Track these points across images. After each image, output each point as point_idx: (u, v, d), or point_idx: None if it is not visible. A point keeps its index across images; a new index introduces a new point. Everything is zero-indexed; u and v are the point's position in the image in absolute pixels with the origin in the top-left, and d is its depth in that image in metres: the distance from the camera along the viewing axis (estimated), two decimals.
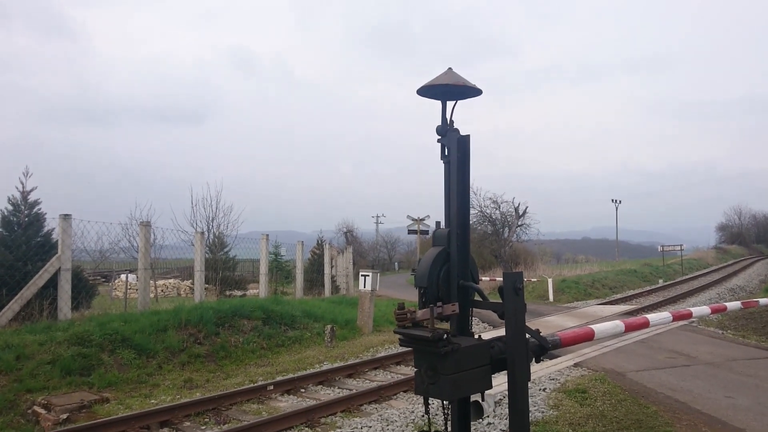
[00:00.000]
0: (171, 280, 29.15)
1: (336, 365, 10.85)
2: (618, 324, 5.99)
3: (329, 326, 13.20)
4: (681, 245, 45.54)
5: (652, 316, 6.62)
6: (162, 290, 26.97)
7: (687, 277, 38.49)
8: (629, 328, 6.20)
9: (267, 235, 18.67)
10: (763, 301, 11.27)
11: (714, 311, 8.43)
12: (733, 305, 10.06)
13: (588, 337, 5.55)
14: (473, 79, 4.88)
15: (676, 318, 7.24)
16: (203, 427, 7.50)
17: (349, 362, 11.13)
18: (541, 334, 4.68)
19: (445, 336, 3.95)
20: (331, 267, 23.33)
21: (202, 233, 16.37)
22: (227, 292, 19.09)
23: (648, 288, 30.90)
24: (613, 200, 70.66)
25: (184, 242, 18.82)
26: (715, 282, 33.12)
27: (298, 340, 13.14)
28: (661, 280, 35.27)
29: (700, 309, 8.06)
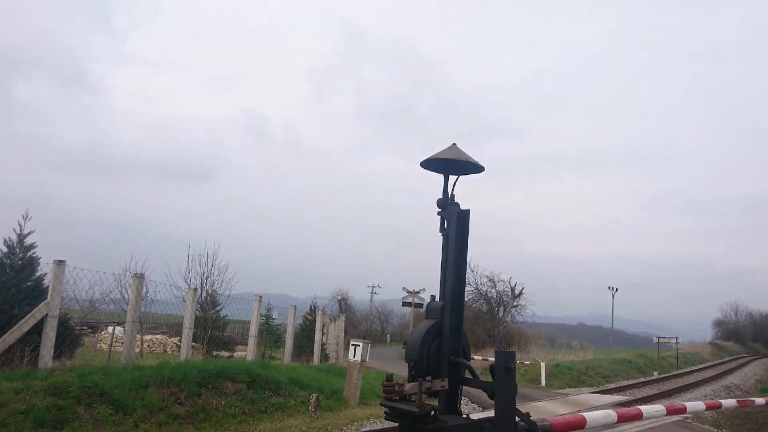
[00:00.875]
0: (158, 336, 28.64)
1: None
2: (610, 414, 5.88)
3: (315, 395, 12.85)
4: (677, 338, 45.02)
5: (645, 408, 6.51)
6: (149, 345, 26.45)
7: (682, 371, 37.81)
8: (622, 419, 6.07)
9: (260, 297, 18.50)
10: (759, 400, 11.06)
11: (709, 408, 8.27)
12: (729, 402, 9.88)
13: (579, 425, 5.43)
14: (477, 159, 5.00)
15: (670, 412, 7.11)
16: None
17: None
18: (531, 418, 4.57)
19: (433, 413, 3.85)
20: (322, 334, 22.97)
21: (195, 290, 16.24)
22: (214, 352, 18.71)
23: (642, 379, 30.29)
24: (609, 288, 70.61)
25: (176, 298, 18.60)
26: (710, 378, 32.50)
27: (282, 407, 12.75)
28: (655, 372, 34.61)
29: (694, 404, 7.92)
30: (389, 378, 4.03)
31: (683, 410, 7.41)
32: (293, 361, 19.94)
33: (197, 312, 17.74)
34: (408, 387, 4.01)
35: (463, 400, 16.55)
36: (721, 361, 52.42)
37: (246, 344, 18.84)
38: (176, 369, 11.75)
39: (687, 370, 38.66)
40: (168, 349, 26.56)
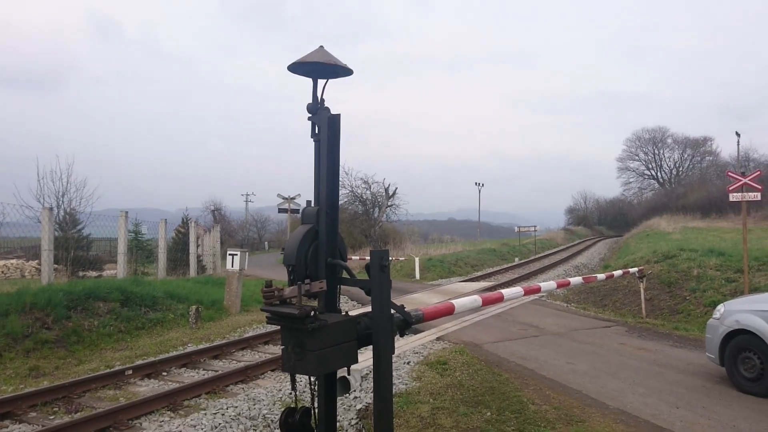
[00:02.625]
0: (13, 261, 26.48)
1: (201, 347, 10.54)
2: (476, 299, 6.38)
3: (194, 307, 12.76)
4: (535, 226, 49.17)
5: (506, 291, 7.12)
6: (2, 272, 24.47)
7: (539, 255, 41.69)
8: (486, 303, 6.62)
9: (126, 213, 17.52)
10: (600, 276, 12.53)
11: (560, 286, 9.23)
12: (576, 280, 11.11)
13: (449, 312, 5.86)
14: (349, 60, 4.91)
15: (527, 292, 7.87)
16: (52, 417, 6.97)
17: (214, 343, 10.85)
18: (405, 309, 4.87)
19: (313, 312, 3.98)
20: (197, 246, 22.45)
21: (51, 209, 14.99)
22: (80, 273, 17.73)
23: (505, 266, 33.08)
24: (476, 183, 74.68)
25: (30, 219, 17.11)
26: (562, 260, 36.22)
27: (160, 322, 12.56)
28: (516, 259, 37.93)
29: (548, 284, 8.78)
30: (268, 284, 4.07)
31: (538, 290, 8.23)
32: (168, 276, 19.45)
33: (56, 232, 16.53)
34: (288, 291, 4.08)
35: (343, 299, 17.23)
36: (571, 244, 58.40)
37: (115, 262, 17.99)
38: (39, 293, 11.06)
39: (543, 254, 42.71)
40: (27, 274, 24.73)
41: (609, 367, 8.35)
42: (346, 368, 4.45)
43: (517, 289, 7.61)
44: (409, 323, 4.88)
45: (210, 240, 25.07)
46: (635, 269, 13.84)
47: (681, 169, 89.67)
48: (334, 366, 4.31)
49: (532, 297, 16.80)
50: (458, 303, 5.99)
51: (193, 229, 22.04)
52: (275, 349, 10.55)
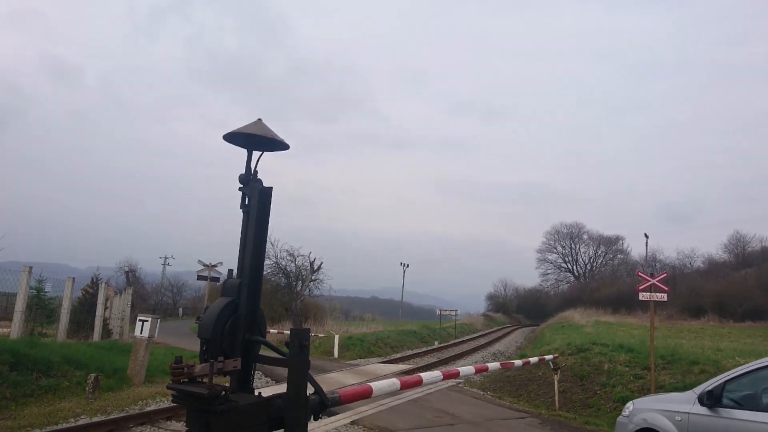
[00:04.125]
0: None
1: (95, 419, 9.70)
2: (394, 382, 6.26)
3: (93, 375, 11.83)
4: (456, 310, 49.75)
5: (425, 375, 7.05)
6: None
7: (459, 340, 41.94)
8: (404, 386, 6.52)
9: (30, 268, 16.41)
10: (517, 362, 12.63)
11: (478, 371, 9.23)
12: (494, 366, 11.15)
13: (366, 395, 5.70)
14: (291, 133, 4.94)
15: (446, 377, 7.80)
16: None
17: (111, 416, 10.02)
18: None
19: (223, 393, 3.76)
20: (105, 308, 21.17)
21: None
22: None
23: (425, 348, 32.98)
24: (401, 263, 75.42)
25: None
26: (481, 346, 36.54)
27: (53, 389, 11.54)
28: (436, 342, 37.93)
29: (466, 368, 8.77)
30: (178, 360, 3.83)
31: (457, 374, 8.19)
32: (69, 339, 18.12)
33: None
34: (198, 368, 3.84)
35: (258, 374, 16.52)
36: (490, 330, 59.24)
37: (11, 320, 16.61)
38: None
39: (463, 339, 43.00)
40: None
41: None
42: None
43: (436, 374, 7.56)
44: (325, 405, 4.70)
45: (120, 303, 23.73)
46: (550, 357, 14.10)
47: (595, 264, 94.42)
48: None
49: (451, 383, 16.70)
50: (376, 386, 5.86)
51: (103, 290, 20.85)
52: (179, 427, 9.85)
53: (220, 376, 4.29)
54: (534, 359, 12.88)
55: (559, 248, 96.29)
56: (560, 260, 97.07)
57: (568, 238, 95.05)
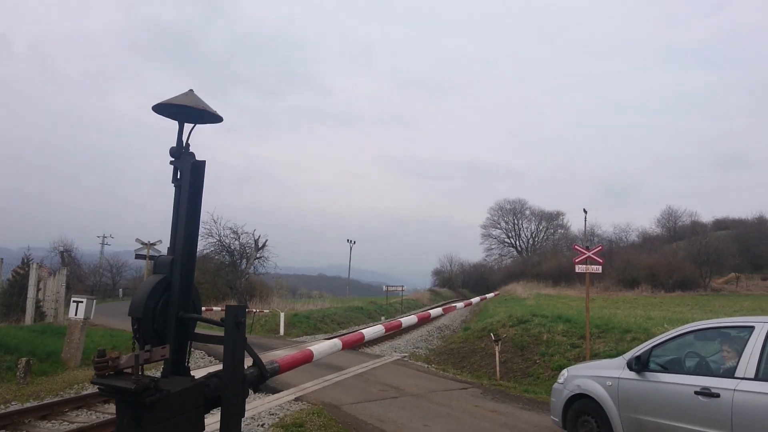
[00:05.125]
0: None
1: (27, 405, 9.35)
2: (336, 342, 6.14)
3: (24, 359, 11.36)
4: (402, 286, 50.34)
5: (366, 331, 6.90)
6: None
7: (405, 315, 42.48)
8: (346, 345, 6.39)
9: None
10: (459, 305, 12.24)
11: (420, 319, 8.80)
12: (436, 311, 10.52)
13: (306, 359, 5.59)
14: (224, 108, 4.78)
15: (388, 329, 7.62)
16: None
17: (45, 401, 9.67)
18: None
19: (152, 384, 3.62)
20: (38, 290, 20.32)
21: None
22: None
23: (372, 324, 33.25)
24: (348, 240, 75.33)
25: None
26: (427, 321, 37.14)
27: None
28: (383, 318, 38.32)
29: (408, 318, 8.39)
30: (101, 353, 3.66)
31: (399, 326, 7.99)
32: None
33: None
34: (124, 360, 3.68)
35: (201, 353, 16.26)
36: (436, 305, 60.19)
37: None
38: None
39: (409, 314, 43.60)
40: None
41: (463, 429, 8.49)
42: None
43: (378, 328, 7.42)
44: (264, 377, 4.64)
45: (54, 284, 22.80)
46: (477, 298, 13.94)
47: (537, 239, 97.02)
48: None
49: (396, 357, 16.91)
50: (317, 349, 5.77)
51: (34, 271, 19.98)
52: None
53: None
54: (460, 304, 12.58)
55: (503, 224, 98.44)
56: (504, 235, 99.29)
57: (511, 213, 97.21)
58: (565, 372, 8.05)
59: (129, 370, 3.63)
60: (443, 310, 8.49)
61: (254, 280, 44.67)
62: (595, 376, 7.30)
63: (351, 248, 75.30)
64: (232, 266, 41.74)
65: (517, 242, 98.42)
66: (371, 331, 7.03)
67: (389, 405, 10.02)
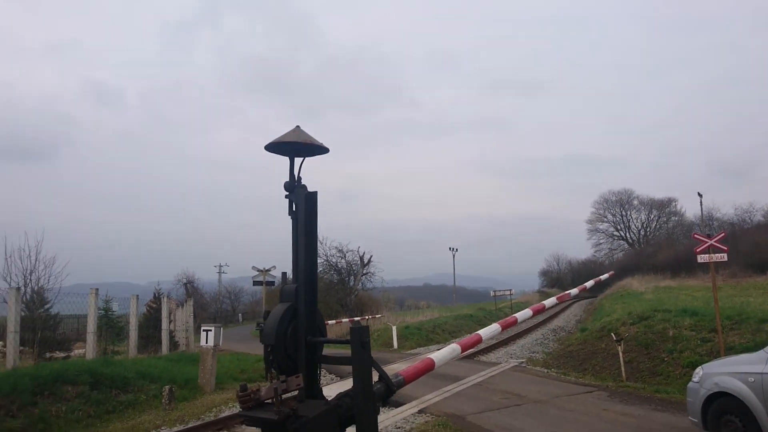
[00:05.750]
0: None
1: (175, 429, 10.12)
2: (454, 347, 6.04)
3: (167, 387, 12.33)
4: (510, 290, 49.35)
5: (483, 331, 6.74)
6: None
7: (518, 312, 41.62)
8: (465, 348, 6.26)
9: (96, 289, 17.16)
10: (573, 291, 11.51)
11: (535, 311, 8.42)
12: (550, 301, 9.92)
13: (429, 368, 5.59)
14: (328, 130, 5.06)
15: (504, 326, 7.37)
16: None
17: (189, 425, 10.43)
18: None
19: (293, 413, 3.89)
20: (170, 321, 21.93)
21: (18, 288, 14.61)
22: (47, 355, 17.10)
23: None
24: (450, 248, 75.08)
25: None
26: (540, 324, 36.18)
27: (132, 404, 12.09)
28: (494, 324, 37.76)
29: (523, 313, 8.07)
30: (243, 388, 4.01)
31: (514, 322, 7.72)
32: (140, 354, 18.87)
33: (23, 312, 16.03)
34: (264, 392, 4.01)
35: (323, 372, 16.86)
36: (547, 307, 58.49)
37: (84, 341, 17.44)
38: (3, 379, 10.63)
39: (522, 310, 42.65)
40: None
41: None
42: None
43: (494, 327, 7.16)
44: (391, 391, 4.79)
45: (183, 315, 24.53)
46: (591, 281, 12.75)
47: (648, 229, 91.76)
48: None
49: (513, 363, 16.66)
50: (437, 356, 5.71)
51: (166, 304, 21.60)
52: (252, 430, 10.18)
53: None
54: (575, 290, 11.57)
55: (610, 216, 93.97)
56: (612, 229, 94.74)
57: (617, 205, 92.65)
58: (699, 370, 7.64)
59: (270, 401, 3.93)
60: (557, 298, 8.22)
61: (363, 296, 45.60)
62: (734, 372, 6.88)
63: (454, 255, 74.99)
64: (341, 284, 42.88)
65: (627, 234, 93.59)
66: (488, 331, 6.87)
67: (513, 413, 9.92)
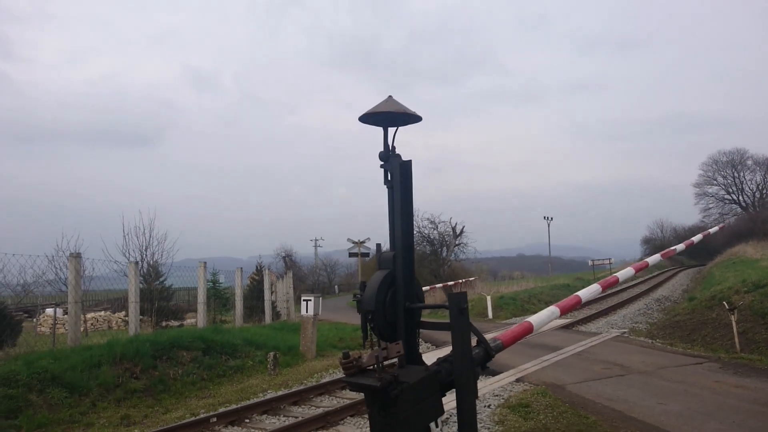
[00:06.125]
0: (101, 313, 27.89)
1: (280, 393, 10.66)
2: (553, 310, 5.81)
3: (272, 353, 12.98)
4: (610, 259, 47.55)
5: (582, 292, 6.42)
6: (92, 323, 25.76)
7: (616, 289, 40.08)
8: (564, 310, 6.01)
9: (205, 263, 18.24)
10: (680, 246, 10.73)
11: (637, 269, 7.98)
12: (654, 258, 9.32)
13: (528, 332, 5.46)
14: (416, 102, 5.04)
15: (605, 286, 6.94)
16: None
17: (293, 389, 10.96)
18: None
19: (394, 379, 3.97)
20: (271, 293, 22.99)
21: (136, 263, 15.84)
22: (164, 323, 18.47)
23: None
24: (545, 217, 73.01)
25: (116, 273, 18.11)
26: (642, 293, 34.65)
27: (240, 369, 12.85)
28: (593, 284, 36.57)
29: (625, 272, 7.65)
30: (346, 355, 4.12)
31: (615, 282, 7.30)
32: (245, 323, 19.95)
33: (141, 285, 17.36)
34: (365, 359, 4.10)
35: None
36: (651, 275, 55.84)
37: (195, 311, 18.66)
38: (128, 344, 11.59)
39: (621, 288, 41.04)
40: (114, 325, 25.95)
41: (704, 407, 7.85)
42: None
43: (594, 288, 6.79)
44: (490, 356, 4.77)
45: (283, 286, 25.61)
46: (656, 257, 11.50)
47: (765, 191, 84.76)
48: (421, 423, 4.29)
49: (614, 333, 16.13)
50: (535, 319, 5.57)
51: (267, 276, 22.63)
52: (353, 395, 10.53)
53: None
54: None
55: (720, 179, 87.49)
56: (723, 192, 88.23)
57: (729, 166, 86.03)
58: None
59: (371, 367, 4.02)
60: (661, 255, 7.65)
61: (456, 267, 45.55)
62: None
63: (549, 225, 72.96)
64: (434, 255, 43.04)
65: (740, 197, 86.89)
66: (587, 291, 6.49)
67: (616, 383, 9.63)
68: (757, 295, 17.11)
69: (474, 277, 30.69)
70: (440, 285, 33.56)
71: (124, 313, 23.09)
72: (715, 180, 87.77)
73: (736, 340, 13.29)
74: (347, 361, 4.11)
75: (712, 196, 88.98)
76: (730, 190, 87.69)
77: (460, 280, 34.37)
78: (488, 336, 4.85)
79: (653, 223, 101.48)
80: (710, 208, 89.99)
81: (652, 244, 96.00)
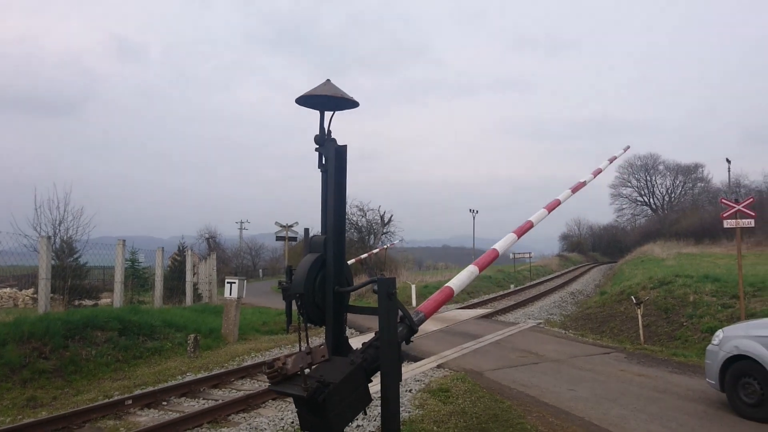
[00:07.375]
0: (6, 290, 26.28)
1: (200, 376, 10.48)
2: (472, 269, 5.82)
3: (192, 336, 12.70)
4: (530, 253, 49.26)
5: (499, 244, 6.45)
6: None
7: (535, 282, 41.71)
8: (482, 267, 6.08)
9: (123, 241, 17.53)
10: (567, 191, 10.58)
11: (519, 234, 7.75)
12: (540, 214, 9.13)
13: (448, 297, 5.47)
14: (351, 88, 5.04)
15: (519, 234, 6.94)
16: None
17: (214, 372, 10.79)
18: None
19: (319, 384, 3.99)
20: (193, 274, 22.39)
21: (49, 238, 14.98)
22: (76, 302, 17.63)
23: (501, 292, 33.05)
24: (470, 210, 74.74)
25: (25, 247, 17.03)
26: (558, 287, 36.23)
27: (158, 351, 12.50)
28: (512, 285, 37.91)
29: (538, 214, 7.56)
30: (269, 365, 4.12)
31: (530, 226, 7.17)
32: (165, 304, 19.35)
33: (53, 261, 16.46)
34: (290, 365, 4.11)
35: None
36: (566, 270, 58.44)
37: (111, 291, 17.92)
38: (37, 323, 11.02)
39: (539, 281, 42.73)
40: (20, 303, 24.52)
41: (610, 393, 8.37)
42: None
43: (510, 237, 6.76)
44: (413, 331, 4.85)
45: (206, 268, 25.00)
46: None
47: (673, 195, 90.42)
48: (351, 417, 4.35)
49: (531, 323, 16.79)
50: (455, 283, 5.60)
51: (190, 257, 22.01)
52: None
53: (315, 326, 4.57)
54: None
55: (634, 181, 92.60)
56: (635, 194, 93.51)
57: (642, 170, 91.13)
58: (720, 333, 7.66)
59: (297, 372, 4.02)
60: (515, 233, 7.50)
61: (382, 255, 45.87)
62: (755, 336, 6.90)
63: (474, 218, 74.74)
64: (361, 243, 43.17)
65: (651, 200, 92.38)
66: (504, 243, 6.46)
67: (531, 370, 10.08)
68: (661, 291, 18.30)
69: (397, 270, 31.14)
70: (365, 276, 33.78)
71: (32, 290, 21.86)
72: (630, 182, 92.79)
73: (641, 332, 14.18)
74: (272, 371, 4.10)
75: (626, 197, 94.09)
76: (643, 193, 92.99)
77: (384, 273, 34.71)
78: (411, 310, 4.92)
79: (571, 220, 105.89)
80: (624, 209, 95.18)
81: (570, 241, 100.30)
